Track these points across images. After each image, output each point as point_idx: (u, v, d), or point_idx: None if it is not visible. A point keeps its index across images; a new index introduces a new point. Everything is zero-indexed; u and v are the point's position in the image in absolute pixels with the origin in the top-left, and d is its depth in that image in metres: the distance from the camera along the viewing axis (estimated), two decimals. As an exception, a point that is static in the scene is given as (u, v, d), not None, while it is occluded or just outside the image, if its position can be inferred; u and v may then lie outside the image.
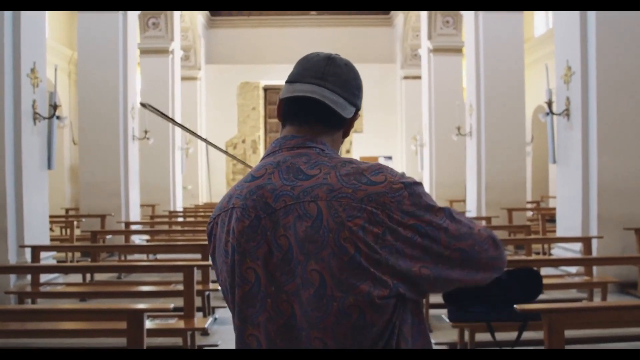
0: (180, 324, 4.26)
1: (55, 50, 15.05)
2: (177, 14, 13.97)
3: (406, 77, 17.03)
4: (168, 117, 1.29)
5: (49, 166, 7.12)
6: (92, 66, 10.09)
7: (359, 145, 18.59)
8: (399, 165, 18.11)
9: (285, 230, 1.19)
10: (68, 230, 9.48)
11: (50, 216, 11.88)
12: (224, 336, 5.26)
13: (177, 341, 4.47)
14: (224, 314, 6.25)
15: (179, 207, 13.93)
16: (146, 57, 13.53)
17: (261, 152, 18.88)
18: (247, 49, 18.45)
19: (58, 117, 6.95)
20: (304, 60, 1.33)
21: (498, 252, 1.26)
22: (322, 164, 1.23)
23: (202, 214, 12.58)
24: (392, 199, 1.16)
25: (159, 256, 8.61)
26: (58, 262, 7.86)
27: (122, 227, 9.23)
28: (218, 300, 6.39)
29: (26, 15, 6.48)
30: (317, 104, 1.27)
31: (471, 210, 10.42)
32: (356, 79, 1.34)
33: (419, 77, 15.12)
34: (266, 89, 19.15)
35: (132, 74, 10.61)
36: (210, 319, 4.91)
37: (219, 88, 18.40)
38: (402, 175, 1.22)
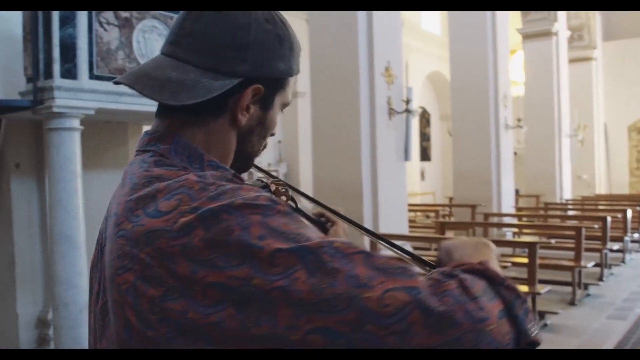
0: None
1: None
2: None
3: None
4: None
5: (406, 158, 7.48)
6: (463, 57, 10.25)
7: None
8: None
9: (102, 271, 0.81)
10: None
11: (427, 205, 12.86)
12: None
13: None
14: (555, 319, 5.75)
15: (567, 198, 13.04)
16: (529, 42, 13.04)
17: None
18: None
19: (409, 112, 7.24)
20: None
21: (446, 335, 0.63)
22: (130, 181, 0.82)
23: (587, 206, 11.51)
24: (173, 241, 0.68)
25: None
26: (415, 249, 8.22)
27: (482, 218, 9.14)
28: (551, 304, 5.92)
29: (378, 16, 6.91)
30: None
31: None
32: (234, 32, 0.83)
33: None
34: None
35: (503, 62, 10.38)
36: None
37: (620, 66, 16.54)
38: (219, 194, 0.71)
